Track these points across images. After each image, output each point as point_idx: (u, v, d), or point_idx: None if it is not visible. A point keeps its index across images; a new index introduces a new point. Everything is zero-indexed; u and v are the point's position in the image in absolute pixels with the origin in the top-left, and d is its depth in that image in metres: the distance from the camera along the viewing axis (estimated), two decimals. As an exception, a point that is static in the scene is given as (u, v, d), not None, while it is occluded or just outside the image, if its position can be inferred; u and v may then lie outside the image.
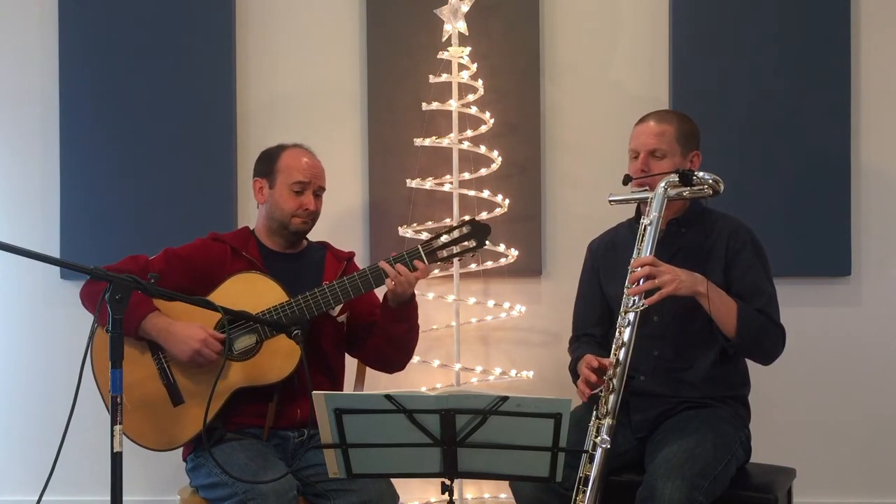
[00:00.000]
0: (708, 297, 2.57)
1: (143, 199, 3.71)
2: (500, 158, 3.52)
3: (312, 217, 2.87)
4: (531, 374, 3.55)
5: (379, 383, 3.46)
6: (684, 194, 2.62)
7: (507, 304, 3.56)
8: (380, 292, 2.85)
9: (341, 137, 3.76)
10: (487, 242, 3.44)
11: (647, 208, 2.61)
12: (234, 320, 2.65)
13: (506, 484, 2.80)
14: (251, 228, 2.95)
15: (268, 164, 2.89)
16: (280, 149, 2.90)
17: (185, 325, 2.65)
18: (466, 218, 2.79)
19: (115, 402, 2.14)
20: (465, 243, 2.71)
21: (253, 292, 2.70)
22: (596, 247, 2.98)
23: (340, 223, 3.74)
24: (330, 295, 2.69)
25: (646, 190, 2.66)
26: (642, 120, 2.81)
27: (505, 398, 2.07)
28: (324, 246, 2.99)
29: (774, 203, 3.59)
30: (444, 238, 2.71)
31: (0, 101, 3.80)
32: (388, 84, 3.69)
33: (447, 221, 3.54)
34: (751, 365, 2.81)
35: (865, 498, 3.68)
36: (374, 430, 2.14)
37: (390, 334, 2.81)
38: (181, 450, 2.81)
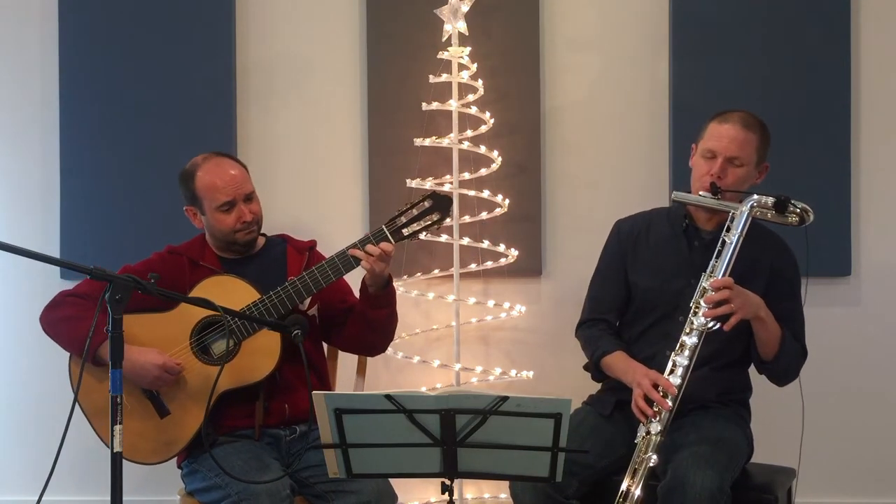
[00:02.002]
0: (764, 322, 2.58)
1: (144, 199, 3.70)
2: (500, 158, 3.52)
3: (255, 223, 2.82)
4: (531, 374, 3.55)
5: (379, 382, 3.47)
6: (767, 216, 2.56)
7: (507, 304, 3.56)
8: (351, 280, 2.83)
9: (341, 137, 3.75)
10: (487, 242, 3.49)
11: (729, 224, 2.56)
12: (211, 324, 2.67)
13: (506, 484, 2.80)
14: (205, 234, 2.90)
15: (188, 189, 2.82)
16: (193, 170, 2.81)
17: (140, 351, 2.63)
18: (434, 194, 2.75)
19: (114, 403, 2.14)
20: (429, 217, 2.68)
21: (226, 294, 2.66)
22: (627, 229, 2.86)
23: (340, 223, 3.74)
24: (302, 286, 2.67)
25: (718, 199, 2.60)
26: (724, 119, 2.68)
27: (505, 398, 2.07)
28: (283, 239, 2.96)
29: (774, 203, 3.59)
30: (406, 215, 2.68)
31: (0, 101, 3.81)
32: (388, 84, 3.69)
33: (447, 221, 3.52)
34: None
35: (865, 498, 3.68)
36: (374, 430, 2.15)
37: (370, 320, 2.79)
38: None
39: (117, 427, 2.14)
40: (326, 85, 3.77)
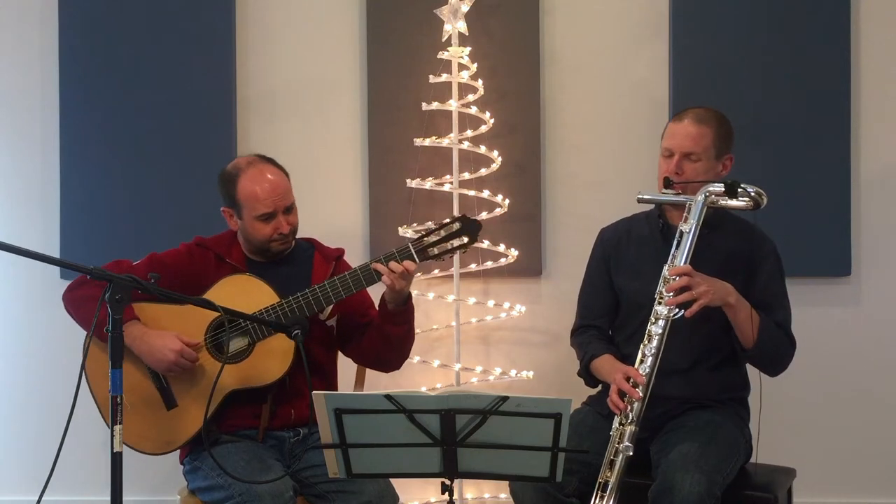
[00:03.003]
0: (735, 307, 2.58)
1: (143, 199, 3.71)
2: (500, 158, 3.52)
3: (292, 234, 2.81)
4: (531, 374, 3.55)
5: (379, 383, 3.46)
6: (726, 204, 2.59)
7: (507, 304, 3.56)
8: (374, 293, 2.84)
9: (341, 137, 3.75)
10: (487, 242, 3.49)
11: (686, 215, 2.59)
12: (227, 321, 2.65)
13: (506, 484, 2.80)
14: (236, 231, 2.90)
15: (229, 192, 2.79)
16: (236, 174, 2.77)
17: (159, 335, 2.64)
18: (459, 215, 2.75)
19: (114, 402, 2.15)
20: (456, 240, 2.68)
21: (244, 294, 2.67)
22: (609, 236, 2.93)
23: (340, 223, 3.74)
24: (321, 295, 2.66)
25: (680, 194, 2.64)
26: (679, 118, 2.75)
27: (505, 398, 2.07)
28: (311, 244, 2.94)
29: (774, 203, 3.55)
30: (435, 235, 2.67)
31: (0, 101, 3.81)
32: (388, 84, 3.69)
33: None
34: (751, 366, 2.82)
35: (865, 498, 3.68)
36: (374, 430, 2.15)
37: (387, 336, 2.79)
38: (178, 452, 2.81)
39: (117, 427, 2.14)
40: (326, 85, 3.77)
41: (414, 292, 3.48)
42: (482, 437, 2.11)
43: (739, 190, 2.56)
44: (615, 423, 2.56)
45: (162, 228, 3.62)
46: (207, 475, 2.64)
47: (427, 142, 3.51)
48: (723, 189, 2.57)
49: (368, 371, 3.06)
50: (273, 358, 2.67)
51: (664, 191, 2.68)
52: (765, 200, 2.58)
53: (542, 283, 3.72)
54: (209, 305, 2.40)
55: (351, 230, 3.72)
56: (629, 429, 2.52)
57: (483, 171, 3.51)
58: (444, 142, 3.51)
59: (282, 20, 3.77)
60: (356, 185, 3.75)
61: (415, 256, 2.66)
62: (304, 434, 2.78)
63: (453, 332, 3.52)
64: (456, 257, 3.49)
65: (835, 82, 3.60)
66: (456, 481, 2.22)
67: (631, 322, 2.80)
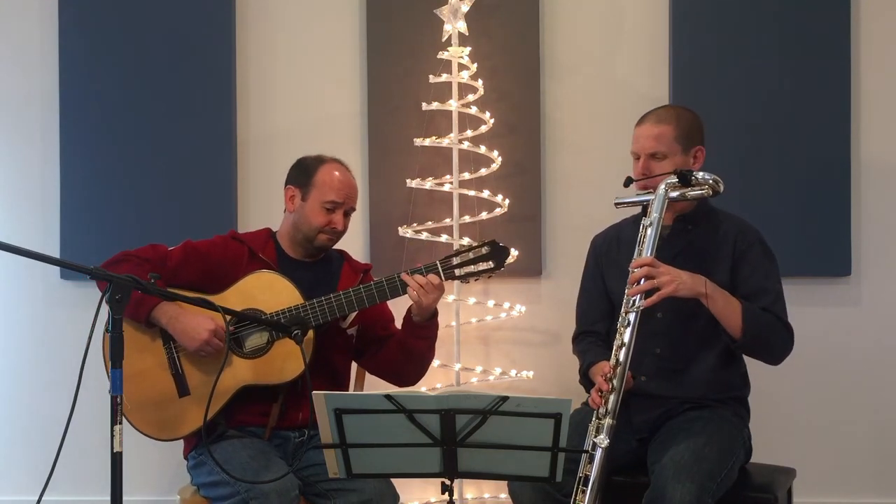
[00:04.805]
0: (711, 297, 2.58)
1: (143, 200, 3.70)
2: (500, 158, 3.52)
3: (339, 235, 2.88)
4: (531, 374, 3.55)
5: (379, 383, 3.46)
6: (686, 195, 2.61)
7: (507, 304, 3.56)
8: (396, 308, 2.86)
9: (341, 137, 3.75)
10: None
11: (649, 209, 2.62)
12: (240, 319, 2.67)
13: (506, 484, 2.80)
14: (273, 231, 2.95)
15: (304, 175, 2.87)
16: (318, 162, 2.89)
17: (195, 316, 2.65)
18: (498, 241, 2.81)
19: (114, 403, 2.14)
20: (484, 264, 2.73)
21: (269, 291, 2.71)
22: (600, 242, 2.98)
23: (340, 223, 3.74)
24: (345, 302, 2.69)
25: (650, 192, 2.66)
26: (642, 120, 2.79)
27: (505, 398, 2.07)
28: (342, 256, 2.99)
29: (775, 203, 3.59)
30: (463, 257, 2.73)
31: (0, 101, 3.80)
32: (388, 84, 3.69)
33: (447, 221, 3.54)
34: (750, 365, 2.82)
35: (865, 498, 3.68)
36: (374, 430, 2.15)
37: (409, 350, 2.82)
38: (182, 448, 2.82)
39: (117, 427, 2.14)
40: (326, 85, 3.77)
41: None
42: (482, 437, 2.11)
43: (692, 178, 2.58)
44: (593, 418, 2.57)
45: (162, 229, 3.62)
46: (212, 470, 2.64)
47: (427, 142, 3.51)
48: (676, 180, 2.59)
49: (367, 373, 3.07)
50: (288, 359, 2.69)
51: (638, 192, 2.71)
52: (721, 187, 2.59)
53: (542, 283, 3.73)
54: (208, 305, 2.41)
55: (351, 230, 3.68)
56: (606, 422, 2.51)
57: (483, 171, 3.51)
58: (444, 142, 3.51)
59: (281, 18, 3.77)
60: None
61: (441, 273, 2.70)
62: (309, 434, 2.78)
63: (453, 332, 3.52)
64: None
65: (835, 82, 3.60)
66: (456, 481, 2.22)
67: None
